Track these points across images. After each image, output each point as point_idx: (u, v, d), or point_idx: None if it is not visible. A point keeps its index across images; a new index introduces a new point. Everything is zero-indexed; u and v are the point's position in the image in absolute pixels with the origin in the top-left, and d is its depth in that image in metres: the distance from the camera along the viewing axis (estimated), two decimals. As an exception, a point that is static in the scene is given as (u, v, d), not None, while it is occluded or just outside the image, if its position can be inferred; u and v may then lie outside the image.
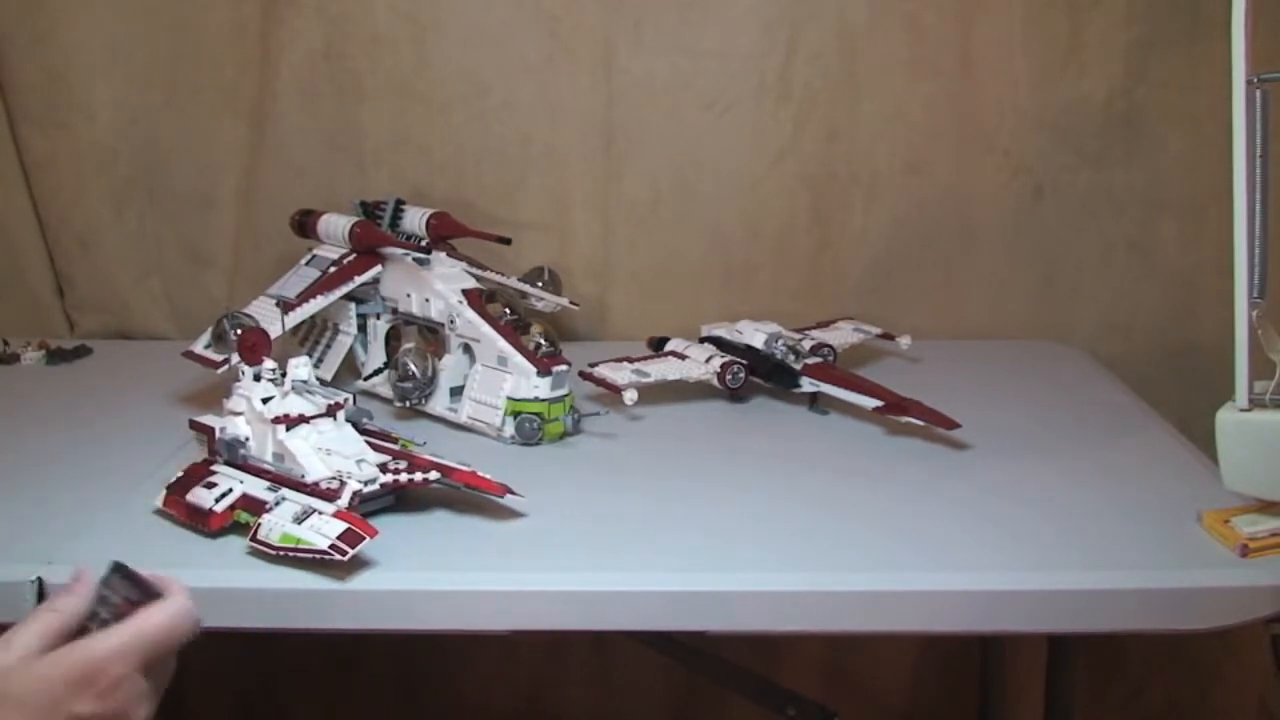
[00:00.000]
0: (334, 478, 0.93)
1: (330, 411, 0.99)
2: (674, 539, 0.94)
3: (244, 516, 0.92)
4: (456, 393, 1.20)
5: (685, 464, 1.12)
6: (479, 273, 1.29)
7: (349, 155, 1.50)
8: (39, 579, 0.87)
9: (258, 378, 1.00)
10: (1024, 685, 1.52)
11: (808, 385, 1.24)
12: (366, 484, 0.92)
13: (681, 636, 1.14)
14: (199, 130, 1.50)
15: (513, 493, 0.95)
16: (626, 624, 0.89)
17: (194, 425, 1.02)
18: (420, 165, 1.50)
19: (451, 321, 1.21)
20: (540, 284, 1.37)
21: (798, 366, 1.25)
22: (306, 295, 1.22)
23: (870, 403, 1.17)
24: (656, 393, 1.23)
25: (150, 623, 0.69)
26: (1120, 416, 1.24)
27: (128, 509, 0.99)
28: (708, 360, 1.27)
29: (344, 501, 0.90)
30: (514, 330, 1.21)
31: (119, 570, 0.73)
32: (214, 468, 0.98)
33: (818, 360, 1.26)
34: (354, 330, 1.30)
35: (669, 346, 1.33)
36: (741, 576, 0.88)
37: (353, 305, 1.29)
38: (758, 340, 1.28)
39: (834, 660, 1.60)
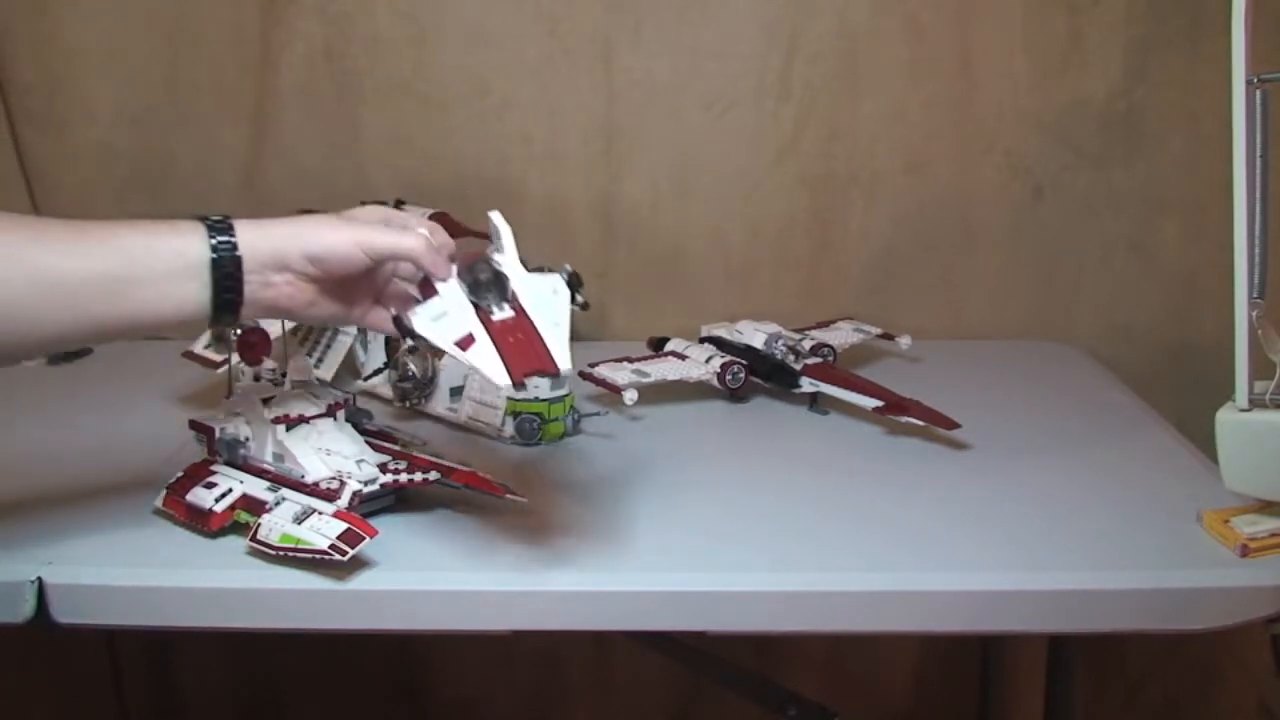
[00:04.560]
0: (334, 478, 0.93)
1: (330, 411, 0.99)
2: (674, 539, 0.94)
3: (244, 516, 0.92)
4: (456, 393, 1.20)
5: (685, 464, 1.12)
6: (479, 273, 1.29)
7: (349, 155, 1.50)
8: (39, 579, 0.87)
9: (258, 378, 1.00)
10: (1024, 685, 1.52)
11: (808, 385, 1.24)
12: (366, 484, 0.92)
13: (681, 636, 1.14)
14: (199, 130, 1.50)
15: (513, 493, 0.95)
16: (626, 624, 0.89)
17: (194, 425, 1.02)
18: (420, 165, 1.50)
19: (452, 321, 1.21)
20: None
21: (798, 366, 1.25)
22: (306, 295, 1.21)
23: (870, 403, 1.17)
24: (656, 393, 1.23)
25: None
26: (1120, 416, 1.24)
27: (128, 509, 0.99)
28: (708, 360, 1.27)
29: (344, 501, 0.90)
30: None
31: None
32: (214, 468, 0.98)
33: (818, 360, 1.26)
34: (354, 330, 1.30)
35: (669, 346, 1.33)
36: (741, 576, 0.88)
37: (353, 305, 1.29)
38: (758, 340, 1.28)
39: (834, 660, 1.60)
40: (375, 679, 1.65)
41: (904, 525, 0.97)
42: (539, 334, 0.84)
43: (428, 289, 0.87)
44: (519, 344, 0.82)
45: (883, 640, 1.57)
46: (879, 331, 1.40)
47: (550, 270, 0.91)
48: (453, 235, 1.32)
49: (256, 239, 0.80)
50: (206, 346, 1.19)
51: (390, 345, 1.29)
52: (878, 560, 0.90)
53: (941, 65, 1.46)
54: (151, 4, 1.47)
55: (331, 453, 0.95)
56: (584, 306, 0.91)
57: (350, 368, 1.31)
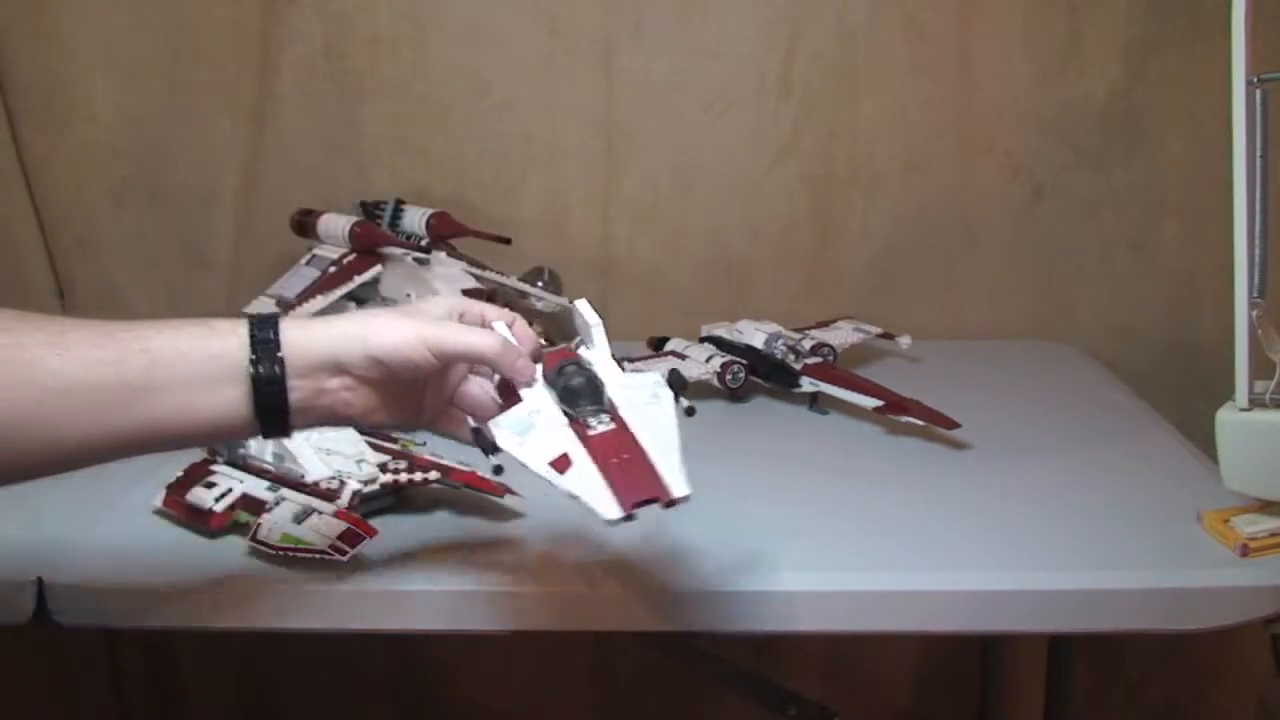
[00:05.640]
0: (334, 478, 0.93)
1: (330, 411, 0.98)
2: (673, 539, 0.93)
3: (244, 516, 0.92)
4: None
5: (684, 464, 1.11)
6: (479, 272, 1.29)
7: (349, 155, 1.50)
8: (39, 579, 0.87)
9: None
10: (1024, 685, 1.52)
11: (808, 385, 1.24)
12: (366, 484, 0.92)
13: (681, 636, 1.14)
14: (199, 130, 1.50)
15: (512, 493, 0.95)
16: (626, 624, 0.89)
17: (194, 425, 1.02)
18: (420, 165, 1.50)
19: (451, 321, 1.21)
20: (540, 284, 1.37)
21: (798, 366, 1.25)
22: (306, 295, 1.22)
23: (870, 403, 1.17)
24: (656, 393, 1.23)
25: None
26: (1120, 416, 1.24)
27: (128, 509, 0.99)
28: (708, 360, 1.27)
29: (344, 501, 0.90)
30: (514, 330, 1.20)
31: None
32: (214, 467, 0.98)
33: (818, 360, 1.26)
34: (354, 330, 1.30)
35: (669, 346, 1.33)
36: (741, 576, 0.88)
37: (353, 305, 1.29)
38: (758, 340, 1.28)
39: (834, 660, 1.60)
40: (375, 679, 1.65)
41: (904, 525, 0.97)
42: (644, 450, 0.72)
43: (509, 394, 0.77)
44: (625, 466, 0.71)
45: (883, 640, 1.57)
46: (879, 331, 1.40)
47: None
48: (452, 235, 1.34)
49: (306, 340, 0.71)
50: (206, 346, 1.18)
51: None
52: (878, 560, 0.90)
53: (941, 65, 1.45)
54: (151, 4, 1.47)
55: (331, 452, 0.95)
56: (689, 412, 0.78)
57: (350, 368, 1.31)
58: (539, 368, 0.76)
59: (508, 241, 1.35)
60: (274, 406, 0.70)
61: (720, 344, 1.31)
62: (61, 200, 1.53)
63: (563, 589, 0.87)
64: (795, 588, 0.87)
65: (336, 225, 1.29)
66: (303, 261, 1.29)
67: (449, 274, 1.24)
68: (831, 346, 1.30)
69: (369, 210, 1.38)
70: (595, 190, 1.50)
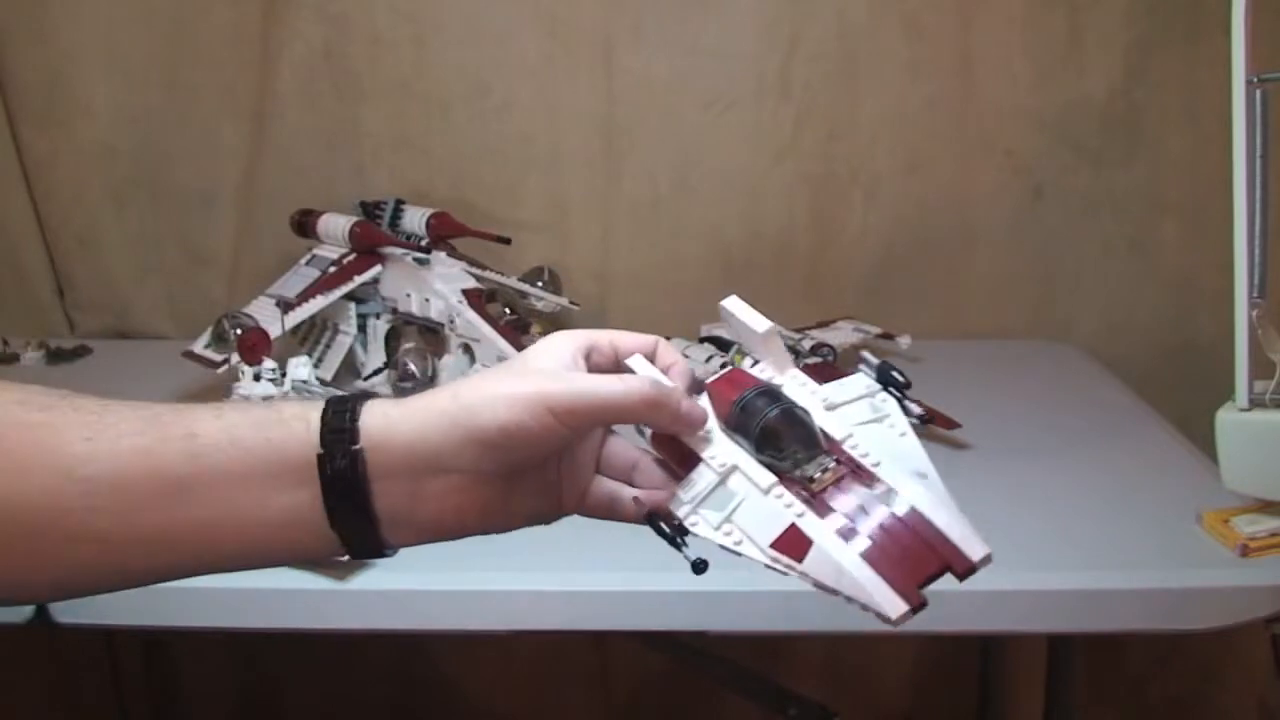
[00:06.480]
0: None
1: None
2: (674, 539, 0.93)
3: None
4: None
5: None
6: (479, 273, 1.29)
7: (349, 155, 1.50)
8: (39, 579, 0.87)
9: (258, 377, 1.00)
10: (1024, 685, 1.52)
11: (808, 385, 1.24)
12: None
13: (681, 636, 1.14)
14: (199, 130, 1.50)
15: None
16: (626, 624, 0.89)
17: (194, 425, 1.02)
18: (420, 165, 1.50)
19: (451, 321, 1.21)
20: (540, 284, 1.37)
21: (798, 366, 1.25)
22: (306, 295, 1.22)
23: (870, 402, 1.17)
24: (656, 393, 1.23)
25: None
26: (1120, 416, 1.24)
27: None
28: (707, 360, 1.27)
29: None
30: (514, 330, 1.20)
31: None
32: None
33: (818, 360, 1.26)
34: (354, 330, 1.30)
35: (669, 346, 1.32)
36: (741, 576, 0.88)
37: (353, 305, 1.29)
38: (757, 340, 1.28)
39: (834, 660, 1.60)
40: (375, 679, 1.65)
41: (904, 525, 0.97)
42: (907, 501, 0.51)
43: (679, 454, 0.57)
44: (887, 531, 0.52)
45: (883, 640, 1.57)
46: (879, 331, 1.40)
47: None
48: (452, 235, 1.34)
49: (390, 427, 0.53)
50: (206, 346, 1.19)
51: (390, 345, 1.29)
52: (878, 560, 0.90)
53: (941, 65, 1.45)
54: (151, 4, 1.47)
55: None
56: (923, 420, 0.54)
57: (350, 367, 1.31)
58: (707, 405, 0.56)
59: (508, 241, 1.35)
60: (351, 516, 0.54)
61: (720, 344, 1.31)
62: (61, 200, 1.53)
63: (563, 589, 0.87)
64: (795, 588, 0.87)
65: (336, 225, 1.29)
66: (303, 261, 1.29)
67: (449, 274, 1.24)
68: (831, 346, 1.30)
69: (369, 210, 1.38)
70: (595, 190, 1.50)
